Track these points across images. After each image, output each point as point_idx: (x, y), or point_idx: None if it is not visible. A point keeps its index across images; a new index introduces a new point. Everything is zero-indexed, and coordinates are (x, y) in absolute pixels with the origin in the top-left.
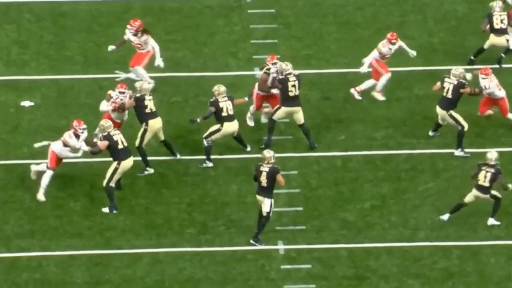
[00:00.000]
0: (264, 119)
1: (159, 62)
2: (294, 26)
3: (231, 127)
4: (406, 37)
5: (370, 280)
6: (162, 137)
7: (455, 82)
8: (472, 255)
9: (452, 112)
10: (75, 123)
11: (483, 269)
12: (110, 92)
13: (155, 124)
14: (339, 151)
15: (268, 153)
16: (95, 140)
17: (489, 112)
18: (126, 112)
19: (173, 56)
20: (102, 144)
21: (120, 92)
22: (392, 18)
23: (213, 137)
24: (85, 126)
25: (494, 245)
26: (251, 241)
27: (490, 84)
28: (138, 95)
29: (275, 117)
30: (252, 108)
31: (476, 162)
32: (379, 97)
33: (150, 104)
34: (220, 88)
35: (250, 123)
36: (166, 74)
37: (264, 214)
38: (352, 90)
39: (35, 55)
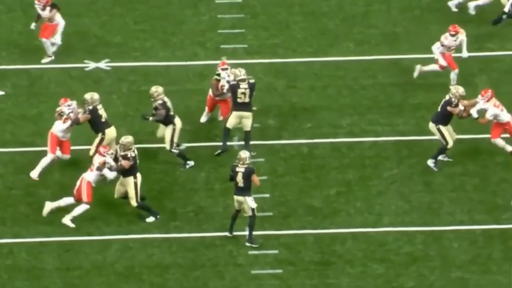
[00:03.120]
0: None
1: (57, 38)
2: (261, 16)
3: (179, 122)
4: (370, 27)
5: (336, 265)
6: (114, 147)
7: (447, 98)
8: (435, 240)
9: (440, 126)
10: (102, 149)
11: (446, 254)
12: (59, 109)
13: (111, 133)
14: (305, 138)
15: (244, 154)
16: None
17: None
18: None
19: (142, 45)
20: (126, 163)
21: (68, 105)
22: (357, 8)
23: (175, 140)
24: (112, 151)
25: (457, 230)
26: (247, 244)
27: (486, 105)
28: (90, 107)
29: (228, 124)
30: (205, 113)
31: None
32: (417, 73)
33: (103, 113)
34: (158, 89)
35: (203, 119)
36: (136, 63)
37: (250, 213)
38: (418, 66)
39: (6, 45)
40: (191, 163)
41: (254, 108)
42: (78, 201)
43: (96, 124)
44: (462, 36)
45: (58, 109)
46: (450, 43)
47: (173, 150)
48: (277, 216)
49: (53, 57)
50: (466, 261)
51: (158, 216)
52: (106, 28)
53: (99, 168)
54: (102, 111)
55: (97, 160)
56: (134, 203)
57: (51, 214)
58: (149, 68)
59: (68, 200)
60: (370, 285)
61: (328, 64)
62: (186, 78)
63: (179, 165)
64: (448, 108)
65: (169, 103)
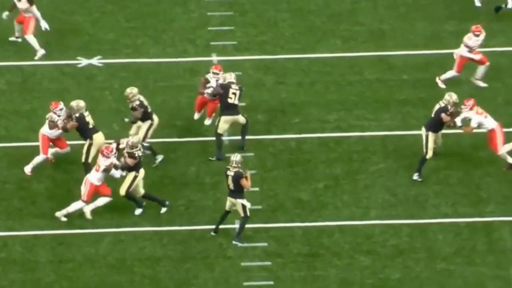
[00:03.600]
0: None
1: (44, 25)
2: (250, 13)
3: (157, 119)
4: (357, 24)
5: (324, 257)
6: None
7: (442, 105)
8: (421, 232)
9: (430, 134)
10: (105, 151)
11: (432, 246)
12: (49, 115)
13: (99, 138)
14: (293, 133)
15: (233, 157)
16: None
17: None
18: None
19: (133, 42)
20: (131, 161)
21: (60, 109)
22: (344, 5)
23: (149, 135)
24: (115, 151)
25: (442, 223)
26: (233, 242)
27: (469, 114)
28: (77, 114)
29: (219, 130)
30: (196, 114)
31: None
32: (481, 84)
33: (90, 120)
34: (133, 90)
35: (196, 116)
36: (127, 60)
37: (242, 214)
38: (437, 79)
39: (0, 42)
40: (160, 157)
41: (243, 104)
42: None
43: (84, 131)
44: (483, 36)
45: (48, 115)
46: (474, 44)
47: (144, 144)
48: (266, 210)
49: (43, 51)
50: (450, 253)
51: (142, 208)
52: (98, 26)
53: (107, 170)
54: (89, 118)
55: (102, 162)
56: (122, 191)
57: (44, 208)
58: (140, 64)
59: (105, 200)
60: (357, 277)
61: (316, 60)
62: (177, 74)
63: (151, 163)
64: (443, 115)
65: (145, 102)
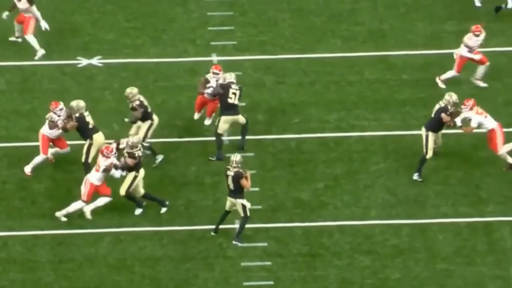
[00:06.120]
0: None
1: (44, 25)
2: (250, 13)
3: (157, 119)
4: (357, 24)
5: (324, 257)
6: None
7: (442, 105)
8: (421, 232)
9: (430, 134)
10: (105, 151)
11: (432, 246)
12: (49, 115)
13: (99, 138)
14: (293, 133)
15: (233, 157)
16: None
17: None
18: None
19: (133, 42)
20: (131, 161)
21: (60, 109)
22: (344, 5)
23: (149, 135)
24: (115, 151)
25: (442, 223)
26: (233, 242)
27: (469, 114)
28: (77, 114)
29: (219, 130)
30: (196, 114)
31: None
32: (481, 84)
33: (90, 120)
34: (133, 90)
35: (196, 116)
36: (127, 60)
37: (242, 214)
38: (437, 79)
39: (0, 42)
40: (160, 157)
41: (243, 104)
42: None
43: (84, 131)
44: (483, 35)
45: (48, 115)
46: (474, 44)
47: (144, 144)
48: (266, 210)
49: (43, 51)
50: (450, 253)
51: (141, 208)
52: (98, 26)
53: (107, 170)
54: (89, 118)
55: (102, 162)
56: (122, 192)
57: (44, 208)
58: (140, 64)
59: (105, 200)
60: (357, 277)
61: (316, 60)
62: (177, 74)
63: (151, 163)
64: (443, 115)
65: (145, 102)
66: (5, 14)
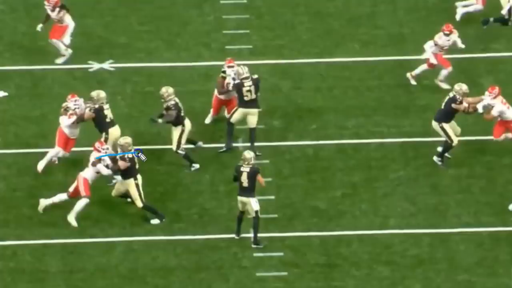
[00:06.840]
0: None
1: (67, 38)
2: (266, 16)
3: (189, 124)
4: (376, 27)
5: (342, 267)
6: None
7: (451, 95)
8: (442, 242)
9: (443, 124)
10: (97, 144)
11: (453, 256)
12: (65, 104)
13: (115, 132)
14: (310, 140)
15: (248, 154)
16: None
17: (505, 135)
18: (78, 129)
19: (146, 46)
20: (122, 163)
21: (75, 101)
22: (363, 8)
23: (182, 142)
24: (107, 146)
25: (463, 232)
26: (253, 246)
27: (493, 101)
28: (96, 106)
29: (232, 119)
30: (210, 115)
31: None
32: (444, 85)
33: (109, 113)
34: (168, 90)
35: (208, 120)
36: (140, 64)
37: (253, 214)
38: (436, 81)
39: (9, 46)
40: (196, 165)
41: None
42: (72, 198)
43: (100, 124)
44: (455, 36)
45: (64, 104)
46: (444, 43)
47: (179, 152)
48: (282, 218)
49: (67, 55)
50: (472, 263)
51: (164, 219)
52: (110, 29)
53: (94, 164)
54: (108, 112)
55: (93, 156)
56: (139, 204)
57: (54, 216)
58: (153, 69)
59: (62, 197)
60: None
61: (334, 65)
62: (191, 79)
63: (185, 167)
64: (453, 105)
65: (180, 104)
66: (39, 27)
